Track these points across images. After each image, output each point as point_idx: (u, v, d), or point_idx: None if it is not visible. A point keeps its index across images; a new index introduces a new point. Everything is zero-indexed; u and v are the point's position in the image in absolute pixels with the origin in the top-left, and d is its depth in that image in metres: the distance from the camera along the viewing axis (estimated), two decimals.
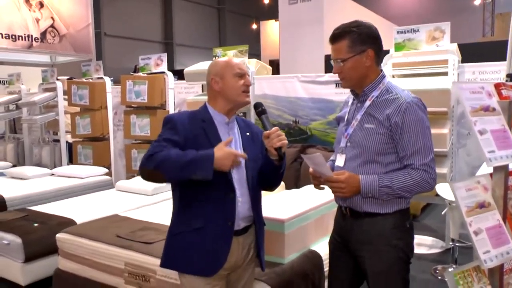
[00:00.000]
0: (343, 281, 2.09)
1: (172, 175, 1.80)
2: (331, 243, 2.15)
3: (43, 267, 3.47)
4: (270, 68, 5.68)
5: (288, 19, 9.43)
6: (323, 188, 2.00)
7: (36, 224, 3.60)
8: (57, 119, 6.54)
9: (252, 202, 1.95)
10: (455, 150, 4.26)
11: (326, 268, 2.58)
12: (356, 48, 1.88)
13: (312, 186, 3.35)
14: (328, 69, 7.63)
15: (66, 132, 6.66)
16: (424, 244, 4.42)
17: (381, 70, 1.99)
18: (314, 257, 2.62)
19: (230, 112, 1.97)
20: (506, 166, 1.69)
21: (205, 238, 1.86)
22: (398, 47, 4.31)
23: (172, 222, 1.97)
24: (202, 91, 5.92)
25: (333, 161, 2.09)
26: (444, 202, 3.95)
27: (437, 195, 3.81)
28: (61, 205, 4.19)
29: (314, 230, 2.74)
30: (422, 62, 4.12)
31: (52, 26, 8.48)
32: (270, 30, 14.88)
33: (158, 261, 2.56)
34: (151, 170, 1.81)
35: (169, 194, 4.49)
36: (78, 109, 6.50)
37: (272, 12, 14.61)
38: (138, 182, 4.85)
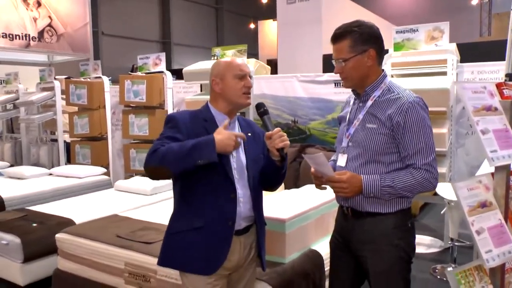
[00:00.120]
0: (344, 281, 2.09)
1: (176, 167, 1.77)
2: (332, 243, 2.14)
3: (42, 267, 3.45)
4: (269, 67, 5.68)
5: (286, 19, 9.42)
6: (325, 188, 2.00)
7: (35, 224, 3.59)
8: (54, 119, 6.52)
9: (253, 202, 1.95)
10: (454, 150, 4.27)
11: (326, 268, 2.59)
12: (358, 48, 1.88)
13: (311, 185, 3.37)
14: (327, 69, 7.64)
15: (64, 131, 6.64)
16: (422, 243, 4.43)
17: (383, 70, 1.99)
18: (315, 256, 2.62)
19: (231, 113, 1.97)
20: (508, 166, 1.69)
21: (205, 238, 1.85)
22: (397, 47, 4.32)
23: (171, 220, 1.97)
24: (201, 90, 5.91)
25: (335, 161, 2.09)
26: (443, 202, 3.96)
27: (435, 194, 3.82)
28: (59, 205, 4.18)
29: (314, 229, 2.74)
30: (421, 62, 4.13)
31: (49, 25, 8.45)
32: (268, 29, 14.89)
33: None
34: (156, 166, 1.80)
35: (168, 194, 4.49)
36: (76, 108, 6.48)
37: (270, 12, 14.60)
38: (137, 182, 4.84)
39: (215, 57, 5.51)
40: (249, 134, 2.00)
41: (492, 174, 1.74)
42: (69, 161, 6.66)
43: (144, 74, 5.75)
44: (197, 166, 1.74)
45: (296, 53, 9.19)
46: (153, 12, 19.03)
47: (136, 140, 5.77)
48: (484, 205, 1.68)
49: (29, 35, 8.18)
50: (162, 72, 5.71)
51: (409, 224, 1.96)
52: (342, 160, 1.99)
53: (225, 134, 1.76)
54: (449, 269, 3.76)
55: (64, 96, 6.52)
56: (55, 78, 6.73)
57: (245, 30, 21.90)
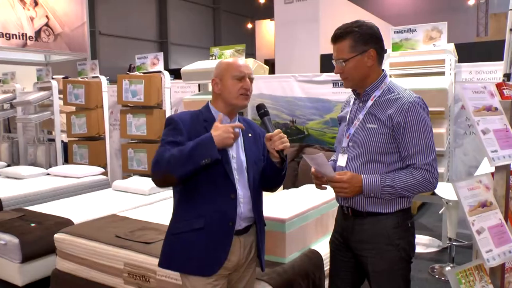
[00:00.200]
0: (344, 280, 2.09)
1: (181, 172, 1.76)
2: (332, 243, 2.14)
3: (40, 268, 3.44)
4: (267, 67, 5.67)
5: (284, 19, 9.42)
6: (325, 188, 2.00)
7: (33, 224, 3.58)
8: (52, 119, 6.50)
9: (253, 202, 1.94)
10: (452, 150, 4.29)
11: (326, 268, 2.59)
12: (358, 48, 1.88)
13: (310, 185, 3.38)
14: (324, 68, 7.65)
15: (61, 131, 6.62)
16: (420, 243, 4.44)
17: (383, 70, 1.99)
18: (315, 256, 2.62)
19: (231, 114, 1.96)
20: (508, 166, 1.70)
21: (206, 238, 1.85)
22: (396, 47, 4.33)
23: (171, 221, 1.96)
24: (199, 90, 5.91)
25: (334, 161, 2.09)
26: (440, 201, 3.97)
27: (433, 194, 3.83)
28: (57, 205, 4.17)
29: (314, 229, 2.74)
30: (419, 62, 4.15)
31: (46, 24, 8.43)
32: (265, 29, 14.89)
33: (157, 261, 2.57)
34: (161, 175, 1.81)
35: (166, 194, 4.49)
36: (73, 108, 6.46)
37: (267, 12, 14.60)
38: (135, 181, 4.84)
39: (214, 57, 5.51)
40: (250, 135, 2.00)
41: (492, 174, 1.75)
42: (66, 161, 6.64)
43: (142, 74, 5.75)
44: (202, 166, 1.74)
45: (293, 53, 9.20)
46: (150, 12, 19.01)
47: (134, 140, 5.77)
48: (484, 205, 1.69)
49: (26, 34, 8.15)
50: (160, 72, 5.70)
51: (409, 223, 1.96)
52: (342, 160, 1.99)
53: (221, 128, 1.76)
54: (447, 268, 3.78)
55: (61, 96, 6.50)
56: (52, 78, 6.70)
57: (242, 30, 21.90)
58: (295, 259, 2.52)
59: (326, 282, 2.47)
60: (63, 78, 6.88)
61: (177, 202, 1.97)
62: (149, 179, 4.90)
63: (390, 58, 4.26)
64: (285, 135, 1.85)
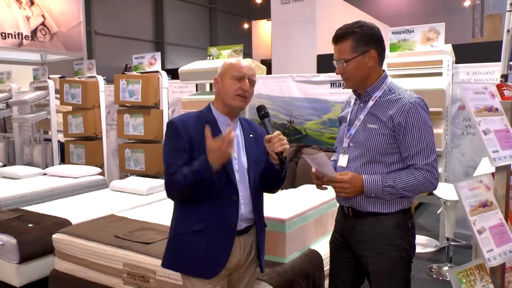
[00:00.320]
0: (344, 280, 2.09)
1: (194, 195, 1.84)
2: (332, 243, 2.15)
3: (38, 268, 3.43)
4: (265, 67, 5.68)
5: (281, 19, 9.42)
6: (326, 189, 2.00)
7: (30, 225, 3.56)
8: (48, 118, 6.47)
9: (254, 203, 1.94)
10: (449, 150, 4.31)
11: (326, 268, 2.60)
12: (359, 49, 1.89)
13: (308, 185, 3.39)
14: (321, 69, 7.66)
15: (58, 131, 6.60)
16: (418, 243, 4.41)
17: (384, 71, 2.00)
18: (315, 256, 2.63)
19: (230, 114, 1.95)
20: (508, 166, 1.71)
21: (207, 240, 1.85)
22: (393, 47, 4.34)
23: (174, 223, 1.96)
24: (196, 90, 5.90)
25: (335, 161, 2.10)
26: (438, 202, 3.99)
27: (430, 194, 3.84)
28: (55, 205, 4.15)
29: (314, 229, 2.75)
30: (416, 62, 4.16)
31: (43, 24, 8.40)
32: (261, 29, 14.89)
33: (157, 261, 2.57)
34: (177, 198, 1.93)
35: (163, 194, 4.45)
36: (70, 108, 6.44)
37: (264, 12, 14.61)
38: (133, 181, 4.83)
39: (211, 57, 5.51)
40: (251, 136, 2.00)
41: (493, 174, 1.76)
42: (63, 161, 6.62)
43: (139, 74, 5.74)
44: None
45: (290, 53, 9.19)
46: (146, 12, 18.96)
47: (131, 140, 5.76)
48: (485, 205, 1.70)
49: (22, 33, 8.11)
50: (157, 71, 5.70)
51: (410, 224, 1.97)
52: (343, 161, 2.00)
53: (215, 148, 1.73)
54: (445, 268, 3.80)
55: (58, 96, 6.47)
56: (48, 77, 6.67)
57: (239, 30, 21.89)
58: (295, 259, 2.53)
59: (326, 282, 2.48)
60: (60, 77, 6.85)
61: (179, 204, 1.96)
62: (147, 179, 4.90)
63: (388, 58, 4.27)
64: (284, 137, 1.85)
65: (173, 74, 7.40)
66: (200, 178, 1.76)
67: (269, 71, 9.08)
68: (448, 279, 3.68)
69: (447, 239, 3.78)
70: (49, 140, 6.64)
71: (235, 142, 1.93)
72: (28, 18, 8.19)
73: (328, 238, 2.40)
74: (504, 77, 3.39)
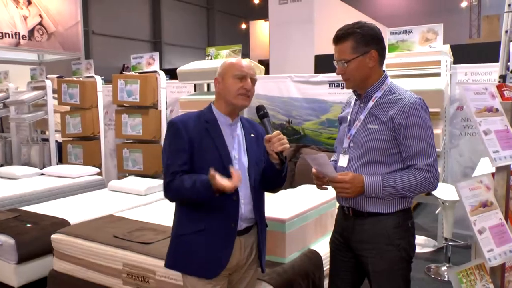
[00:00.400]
0: (344, 280, 2.09)
1: (190, 204, 1.90)
2: (332, 243, 2.15)
3: (36, 268, 3.41)
4: (263, 68, 5.69)
5: (278, 19, 9.43)
6: (326, 189, 2.00)
7: (29, 225, 3.55)
8: (46, 118, 6.46)
9: (254, 203, 1.94)
10: (448, 151, 4.32)
11: (326, 268, 2.60)
12: (360, 49, 1.89)
13: (307, 186, 3.39)
14: (318, 69, 7.67)
15: (56, 131, 6.58)
16: (416, 243, 4.39)
17: (384, 71, 2.00)
18: (314, 256, 2.63)
19: (232, 114, 1.96)
20: (508, 166, 1.72)
21: (208, 240, 1.85)
22: (392, 48, 4.35)
23: (175, 223, 1.96)
24: (195, 90, 5.90)
25: (335, 161, 2.10)
26: (436, 202, 4.00)
27: (428, 194, 3.85)
28: (53, 205, 4.14)
29: (313, 229, 2.75)
30: (415, 63, 4.17)
31: (40, 23, 8.38)
32: (259, 30, 14.88)
33: (157, 262, 2.58)
34: (173, 201, 1.96)
35: (162, 194, 4.45)
36: (67, 108, 6.43)
37: (261, 12, 14.60)
38: (131, 182, 4.82)
39: (210, 57, 5.51)
40: (252, 135, 2.00)
41: (493, 174, 1.77)
42: (60, 161, 6.60)
43: (137, 74, 5.73)
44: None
45: (288, 53, 9.20)
46: (144, 12, 18.94)
47: (129, 140, 5.75)
48: (485, 205, 1.71)
49: (19, 33, 8.09)
50: (155, 71, 5.69)
51: (410, 224, 1.97)
52: (343, 161, 2.00)
53: (220, 188, 1.73)
54: (444, 268, 3.81)
55: (55, 96, 6.46)
56: (46, 77, 6.66)
57: (236, 30, 21.88)
58: (295, 259, 2.53)
59: (326, 282, 2.49)
60: (58, 77, 6.84)
61: (180, 204, 1.96)
62: (145, 179, 4.90)
63: (386, 59, 4.24)
64: (284, 137, 1.85)
65: (171, 74, 7.40)
66: (198, 198, 1.81)
67: (266, 72, 9.08)
68: (446, 279, 3.70)
69: (445, 239, 3.79)
70: (47, 140, 6.62)
71: (236, 141, 1.94)
72: (25, 18, 8.17)
73: (327, 238, 2.40)
74: (502, 77, 3.40)
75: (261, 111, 1.95)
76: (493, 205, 1.72)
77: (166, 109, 5.80)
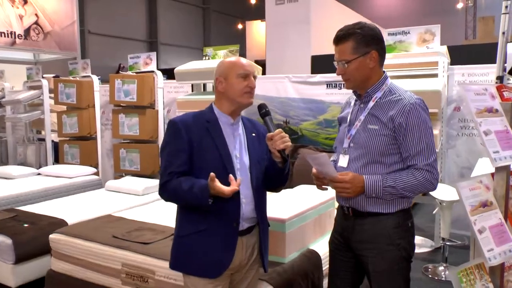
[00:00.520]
0: (344, 280, 2.10)
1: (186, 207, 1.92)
2: (332, 243, 2.15)
3: (34, 268, 3.40)
4: (260, 68, 5.69)
5: (275, 20, 9.43)
6: (326, 189, 2.01)
7: (26, 225, 3.53)
8: (42, 118, 6.43)
9: (256, 203, 1.94)
10: (445, 151, 4.34)
11: (325, 268, 2.61)
12: (360, 50, 1.90)
13: (305, 186, 3.40)
14: (315, 70, 7.68)
15: (52, 131, 6.55)
16: None
17: (384, 72, 2.01)
18: (314, 256, 2.64)
19: (234, 113, 1.96)
20: (508, 167, 1.73)
21: (209, 240, 1.85)
22: (389, 49, 4.36)
23: (178, 223, 1.96)
24: (192, 90, 5.90)
25: (334, 161, 2.10)
26: (432, 202, 4.02)
27: (425, 194, 3.87)
28: (50, 205, 4.12)
29: (312, 229, 2.76)
30: (412, 64, 4.18)
31: (36, 23, 8.32)
32: (255, 30, 14.89)
33: (157, 262, 2.58)
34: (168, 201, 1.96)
35: None
36: (64, 107, 6.40)
37: (258, 12, 14.62)
38: (128, 182, 4.81)
39: (207, 57, 5.51)
40: (253, 134, 2.00)
41: (492, 174, 1.78)
42: (57, 160, 6.57)
43: (134, 74, 5.72)
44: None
45: (284, 54, 9.21)
46: (140, 12, 18.90)
47: (127, 140, 5.73)
48: (485, 205, 1.72)
49: (15, 32, 8.03)
50: (153, 71, 5.68)
51: (410, 223, 1.99)
52: (343, 161, 2.01)
53: (219, 192, 1.76)
54: (441, 268, 3.83)
55: (52, 95, 6.43)
56: (42, 77, 6.63)
57: (232, 30, 21.88)
58: (294, 259, 2.53)
59: (325, 282, 2.49)
60: (54, 77, 6.81)
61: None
62: (143, 179, 4.89)
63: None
64: (286, 135, 1.85)
65: (167, 74, 7.39)
66: (193, 201, 1.82)
67: (263, 72, 9.08)
68: (443, 278, 3.71)
69: (443, 239, 3.81)
70: (43, 140, 6.59)
71: (237, 141, 1.94)
72: (21, 17, 8.12)
73: (326, 238, 2.41)
74: (500, 78, 3.42)
75: (263, 109, 1.95)
76: (492, 205, 1.74)
77: (163, 109, 5.78)
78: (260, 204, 1.97)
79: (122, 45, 17.06)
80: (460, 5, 17.90)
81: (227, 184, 1.81)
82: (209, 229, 1.85)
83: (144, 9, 19.14)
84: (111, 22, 17.08)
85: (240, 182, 1.81)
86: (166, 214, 3.48)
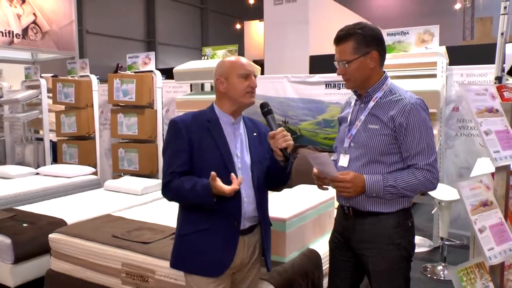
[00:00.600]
0: (344, 279, 2.11)
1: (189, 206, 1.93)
2: (332, 242, 2.15)
3: (33, 268, 3.39)
4: (259, 68, 5.69)
5: (273, 20, 9.43)
6: (327, 189, 2.01)
7: (25, 224, 3.52)
8: (40, 118, 6.42)
9: (257, 202, 1.95)
10: (443, 151, 4.36)
11: (325, 267, 2.62)
12: (361, 50, 1.91)
13: (304, 185, 3.40)
14: (313, 70, 7.69)
15: (50, 130, 6.54)
16: None
17: (384, 72, 2.02)
18: (313, 256, 2.64)
19: (236, 113, 1.97)
20: (508, 166, 1.74)
21: (211, 239, 1.86)
22: (388, 49, 4.37)
23: (179, 223, 1.96)
24: (191, 90, 5.90)
25: (335, 161, 2.11)
26: (430, 202, 4.04)
27: (423, 194, 3.88)
28: (49, 205, 4.12)
29: (312, 229, 2.76)
30: (411, 64, 4.19)
31: (34, 22, 8.30)
32: (254, 30, 14.89)
33: (157, 261, 2.58)
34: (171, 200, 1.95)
35: (158, 194, 4.45)
36: (62, 107, 6.39)
37: (256, 13, 14.62)
38: (127, 181, 4.81)
39: (206, 57, 5.51)
40: (255, 134, 2.01)
41: (492, 174, 1.79)
42: (55, 160, 6.56)
43: (133, 73, 5.71)
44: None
45: (283, 54, 9.21)
46: (138, 11, 18.87)
47: (125, 140, 5.73)
48: (485, 204, 1.73)
49: (12, 32, 8.01)
50: (151, 71, 5.68)
51: (410, 223, 2.00)
52: (344, 161, 2.01)
53: (220, 192, 1.77)
54: (439, 267, 3.84)
55: (50, 95, 6.42)
56: (41, 76, 6.62)
57: (230, 30, 21.87)
58: (294, 258, 2.54)
59: (325, 282, 2.50)
60: (52, 76, 6.79)
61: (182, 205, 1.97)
62: (142, 178, 4.89)
63: None
64: (288, 134, 1.85)
65: (166, 74, 7.38)
66: (196, 201, 1.82)
67: (261, 72, 9.08)
68: (442, 278, 3.73)
69: (441, 238, 3.82)
70: (41, 139, 6.58)
71: (238, 140, 1.94)
72: (19, 16, 8.09)
73: (326, 237, 2.42)
74: (498, 79, 3.44)
75: (265, 108, 1.95)
76: (493, 205, 1.74)
77: (162, 108, 5.79)
78: (261, 203, 1.97)
79: (120, 45, 17.04)
80: (458, 6, 17.94)
81: (229, 183, 1.80)
82: (211, 229, 1.85)
83: (142, 9, 19.11)
84: (108, 22, 17.06)
85: (241, 181, 1.80)
86: (165, 214, 3.48)
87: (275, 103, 5.17)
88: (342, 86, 4.60)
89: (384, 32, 4.40)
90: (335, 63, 1.98)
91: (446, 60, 4.30)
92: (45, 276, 3.15)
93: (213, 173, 1.74)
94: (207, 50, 5.50)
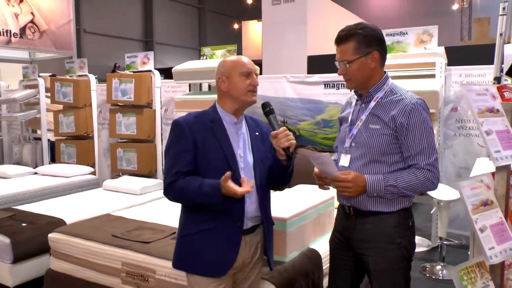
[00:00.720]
0: (344, 279, 2.11)
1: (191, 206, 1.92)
2: (332, 242, 2.16)
3: (32, 268, 3.39)
4: (258, 68, 5.69)
5: (271, 20, 9.43)
6: (328, 189, 2.02)
7: (24, 224, 3.52)
8: (38, 117, 6.40)
9: (260, 202, 1.95)
10: (442, 151, 4.37)
11: (325, 267, 2.62)
12: (362, 50, 1.92)
13: (303, 185, 3.41)
14: (311, 70, 7.70)
15: (48, 130, 6.53)
16: None
17: (385, 72, 2.03)
18: (314, 255, 2.65)
19: (238, 112, 1.97)
20: (508, 166, 1.75)
21: (213, 239, 1.86)
22: (387, 49, 4.38)
23: (181, 223, 1.96)
24: (189, 90, 5.89)
25: (335, 160, 2.12)
26: (429, 202, 4.05)
27: (422, 194, 3.90)
28: (47, 204, 4.11)
29: (312, 229, 2.77)
30: (410, 64, 4.21)
31: (32, 21, 8.28)
32: (252, 30, 14.88)
33: (157, 261, 2.58)
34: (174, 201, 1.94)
35: (157, 194, 4.46)
36: (60, 106, 6.38)
37: (254, 13, 14.62)
38: (126, 181, 4.81)
39: (205, 57, 5.51)
40: (257, 134, 2.01)
41: (493, 174, 1.80)
42: (53, 160, 6.55)
43: (132, 73, 5.71)
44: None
45: (280, 54, 9.21)
46: (135, 11, 18.84)
47: (124, 139, 5.72)
48: (486, 204, 1.74)
49: (10, 31, 7.99)
50: (150, 71, 5.68)
51: (410, 222, 2.01)
52: (345, 160, 2.02)
53: (230, 193, 1.77)
54: (438, 267, 3.85)
55: (48, 94, 6.41)
56: (39, 76, 6.60)
57: (228, 30, 21.86)
58: (295, 258, 2.54)
59: (325, 281, 2.51)
60: (51, 76, 6.78)
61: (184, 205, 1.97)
62: (140, 178, 4.88)
63: None
64: (290, 133, 1.86)
65: (164, 73, 7.37)
66: (204, 200, 1.82)
67: (259, 72, 9.08)
68: (441, 277, 3.74)
69: (440, 238, 3.84)
70: (39, 139, 6.56)
71: (241, 140, 1.95)
72: (16, 16, 8.07)
73: (326, 237, 2.42)
74: (497, 79, 3.45)
75: (267, 108, 1.96)
76: (493, 204, 1.75)
77: (161, 108, 5.79)
78: (264, 203, 1.97)
79: (118, 45, 17.00)
80: (455, 7, 17.99)
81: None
82: (213, 229, 1.85)
83: (140, 8, 19.07)
84: (106, 22, 17.02)
85: (253, 185, 1.81)
86: (164, 214, 3.48)
87: (274, 103, 5.06)
88: (341, 86, 4.61)
89: (383, 33, 4.42)
90: (336, 63, 1.99)
91: (444, 60, 4.32)
92: (45, 275, 3.15)
93: (228, 173, 1.75)
94: (206, 50, 5.50)
